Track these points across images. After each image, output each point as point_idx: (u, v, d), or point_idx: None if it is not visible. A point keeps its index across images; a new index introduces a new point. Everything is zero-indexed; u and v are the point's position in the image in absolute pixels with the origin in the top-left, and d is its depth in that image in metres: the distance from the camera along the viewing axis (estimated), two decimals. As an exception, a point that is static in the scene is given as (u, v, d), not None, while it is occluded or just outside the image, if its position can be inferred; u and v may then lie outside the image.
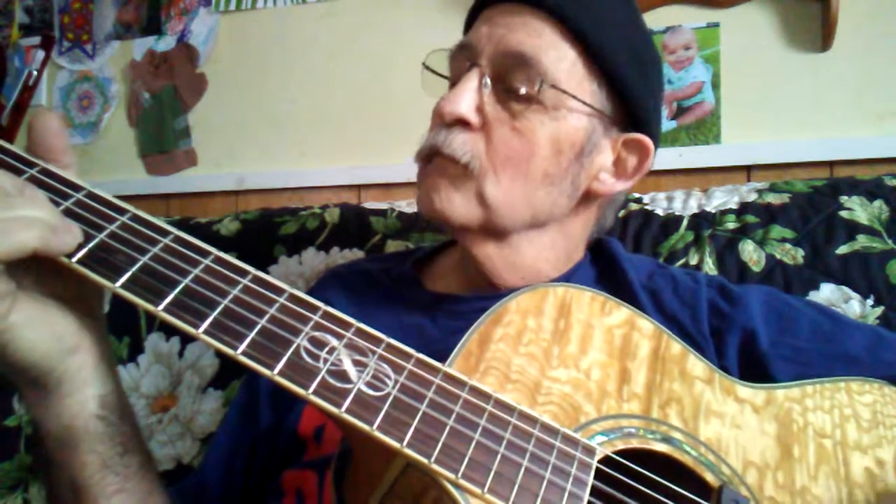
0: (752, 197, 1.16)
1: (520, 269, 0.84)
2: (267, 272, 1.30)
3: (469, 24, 0.88)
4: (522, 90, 0.78)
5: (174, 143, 1.79)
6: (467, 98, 0.79)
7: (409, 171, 1.58)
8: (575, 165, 0.82)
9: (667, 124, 1.45)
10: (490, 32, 0.80)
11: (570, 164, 0.81)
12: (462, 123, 0.79)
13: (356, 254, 1.28)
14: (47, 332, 0.51)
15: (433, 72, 0.88)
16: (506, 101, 0.79)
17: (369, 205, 1.40)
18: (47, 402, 0.54)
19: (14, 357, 0.50)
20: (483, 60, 0.80)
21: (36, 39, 1.90)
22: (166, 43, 1.82)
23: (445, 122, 0.79)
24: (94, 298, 0.57)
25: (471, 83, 0.79)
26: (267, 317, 0.51)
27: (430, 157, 0.81)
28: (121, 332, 1.31)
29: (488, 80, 0.80)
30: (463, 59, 0.82)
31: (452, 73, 0.86)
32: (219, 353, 1.27)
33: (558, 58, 0.79)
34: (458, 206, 0.79)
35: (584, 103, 0.80)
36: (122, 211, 0.53)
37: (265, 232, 1.34)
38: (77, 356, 0.54)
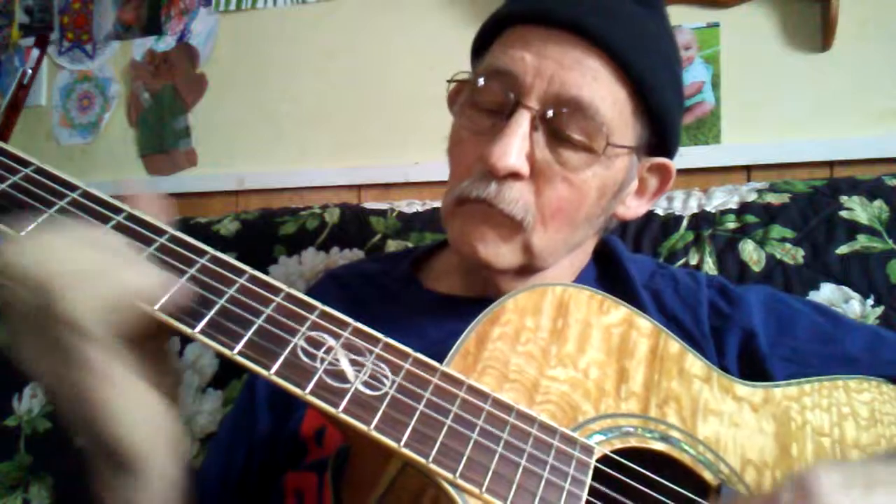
0: (752, 197, 1.16)
1: None
2: (267, 272, 1.29)
3: (491, 35, 0.82)
4: (578, 140, 0.74)
5: (174, 143, 1.79)
6: (519, 148, 0.73)
7: (408, 171, 1.58)
8: (612, 202, 0.82)
9: (667, 124, 1.45)
10: (539, 66, 0.74)
11: (608, 202, 0.81)
12: (512, 174, 0.74)
13: (356, 254, 1.28)
14: (142, 418, 0.51)
15: (463, 82, 0.82)
16: (556, 148, 0.75)
17: (369, 205, 1.40)
18: (125, 484, 0.53)
19: (110, 438, 0.50)
20: (533, 101, 0.74)
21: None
22: (166, 43, 1.82)
23: (498, 175, 0.73)
24: (175, 381, 0.57)
25: (521, 129, 0.73)
26: (264, 316, 0.51)
27: (474, 202, 0.76)
28: (121, 332, 1.31)
29: (539, 125, 0.74)
30: (501, 88, 0.76)
31: (483, 97, 0.78)
32: (218, 353, 1.28)
33: (613, 103, 0.75)
34: (504, 256, 0.77)
35: (629, 146, 0.78)
36: (117, 211, 0.53)
37: (265, 232, 1.34)
38: (161, 441, 0.54)
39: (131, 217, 0.54)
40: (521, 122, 0.73)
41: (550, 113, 0.74)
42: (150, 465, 0.53)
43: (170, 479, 0.55)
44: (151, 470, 0.53)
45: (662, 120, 0.79)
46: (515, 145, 0.72)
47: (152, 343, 0.52)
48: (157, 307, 0.49)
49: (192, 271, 0.52)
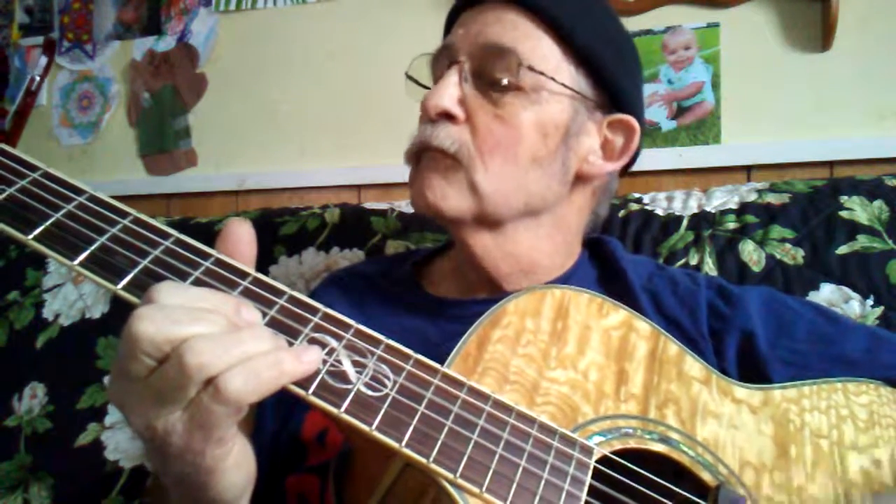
0: (752, 197, 1.16)
1: (517, 259, 0.84)
2: (267, 272, 1.31)
3: (448, 31, 0.90)
4: (503, 80, 0.80)
5: (174, 143, 1.79)
6: (450, 92, 0.81)
7: (408, 171, 1.58)
8: (562, 148, 0.83)
9: (667, 124, 1.45)
10: (466, 32, 0.83)
11: (557, 146, 0.82)
12: (447, 117, 0.81)
13: (356, 254, 1.28)
14: (245, 472, 0.52)
15: (416, 82, 0.90)
16: (487, 92, 0.81)
17: (369, 205, 1.40)
18: None
19: (210, 495, 0.50)
20: (462, 57, 0.82)
21: (36, 39, 1.91)
22: (166, 43, 1.82)
23: (431, 117, 0.81)
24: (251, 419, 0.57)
25: (452, 78, 0.81)
26: (267, 319, 0.51)
27: (420, 155, 0.83)
28: (121, 332, 1.31)
29: (468, 74, 0.82)
30: (444, 60, 0.85)
31: (435, 75, 0.88)
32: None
33: (534, 45, 0.81)
34: (450, 198, 0.80)
35: (564, 86, 0.81)
36: (123, 214, 0.54)
37: (265, 232, 1.34)
38: (249, 489, 0.54)
39: (135, 219, 0.54)
40: (451, 74, 0.82)
41: (478, 64, 0.82)
42: None
43: None
44: None
45: (600, 72, 0.83)
46: (444, 89, 0.81)
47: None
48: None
49: (197, 273, 0.52)
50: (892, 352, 0.79)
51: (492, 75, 0.80)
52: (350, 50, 1.68)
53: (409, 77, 0.90)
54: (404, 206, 1.36)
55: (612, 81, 0.84)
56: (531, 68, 0.79)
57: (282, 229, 1.33)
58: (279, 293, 0.53)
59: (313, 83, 1.71)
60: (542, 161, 0.82)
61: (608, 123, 0.86)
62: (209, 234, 1.36)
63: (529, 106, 0.80)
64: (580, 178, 0.86)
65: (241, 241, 0.55)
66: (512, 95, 0.80)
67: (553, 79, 0.80)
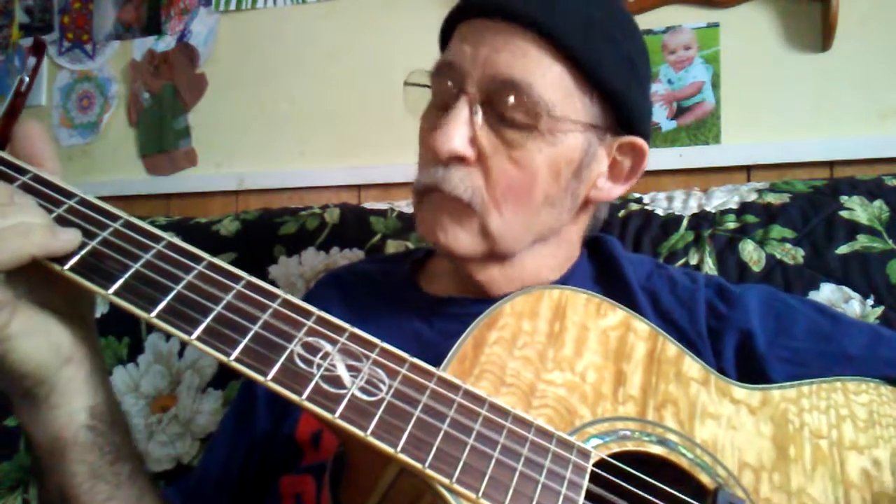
0: (752, 197, 1.16)
1: (522, 280, 0.84)
2: (267, 272, 1.31)
3: (445, 37, 0.85)
4: (517, 118, 0.75)
5: (174, 143, 1.79)
6: (460, 132, 0.75)
7: (408, 171, 1.57)
8: (574, 182, 0.81)
9: (667, 124, 1.45)
10: (474, 54, 0.77)
11: (568, 182, 0.80)
12: (458, 158, 0.76)
13: (356, 254, 1.28)
14: (44, 342, 0.52)
15: (418, 85, 0.84)
16: (499, 129, 0.76)
17: (369, 205, 1.40)
18: (36, 412, 0.54)
19: (10, 367, 0.50)
20: (471, 87, 0.76)
21: (36, 40, 1.91)
22: (166, 43, 1.82)
23: (441, 159, 0.77)
24: (86, 308, 0.58)
25: (461, 114, 0.76)
26: (260, 323, 0.51)
27: (427, 191, 0.80)
28: (120, 332, 1.31)
29: (479, 108, 0.76)
30: (447, 81, 0.79)
31: (436, 93, 0.82)
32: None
33: (548, 78, 0.75)
34: (462, 240, 0.78)
35: (578, 122, 0.77)
36: (114, 217, 0.54)
37: (265, 232, 1.34)
38: (69, 367, 0.54)
39: (126, 222, 0.54)
40: (461, 108, 0.76)
41: (488, 96, 0.76)
42: (49, 391, 0.53)
43: (81, 406, 0.55)
44: (50, 396, 0.54)
45: (612, 95, 0.79)
46: (455, 129, 0.75)
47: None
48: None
49: (189, 277, 0.52)
50: (892, 348, 0.79)
51: (505, 114, 0.75)
52: (350, 50, 1.68)
53: (411, 83, 0.85)
54: (404, 206, 1.36)
55: (626, 105, 0.80)
56: (549, 113, 0.75)
57: (281, 229, 1.33)
58: (273, 297, 0.53)
59: (313, 83, 1.70)
60: (554, 199, 0.80)
61: (618, 146, 0.83)
62: (208, 233, 1.36)
63: (545, 148, 0.76)
64: (587, 202, 0.85)
65: (29, 137, 0.56)
66: (526, 136, 0.76)
67: (569, 119, 0.76)
